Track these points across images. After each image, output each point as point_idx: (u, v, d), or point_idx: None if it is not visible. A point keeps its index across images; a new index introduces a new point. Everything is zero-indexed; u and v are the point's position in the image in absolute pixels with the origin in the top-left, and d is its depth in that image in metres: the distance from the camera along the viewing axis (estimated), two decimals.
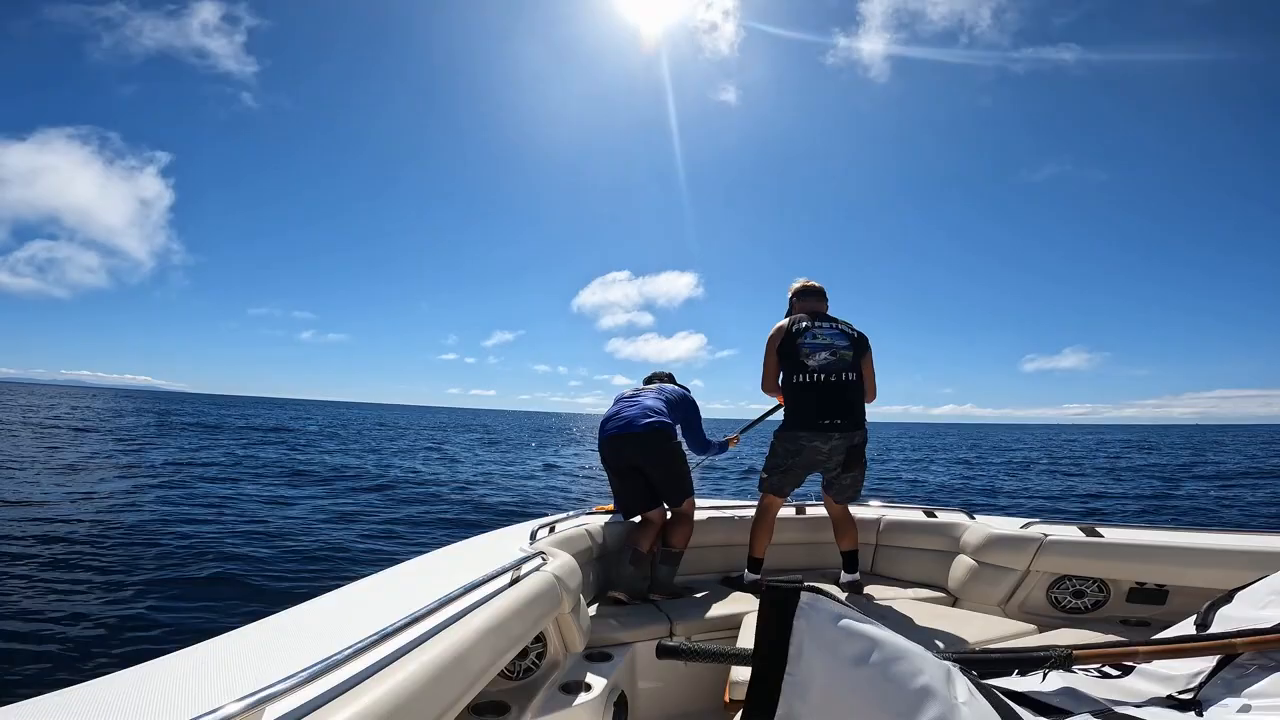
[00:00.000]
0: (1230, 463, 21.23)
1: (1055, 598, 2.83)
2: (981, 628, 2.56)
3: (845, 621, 0.99)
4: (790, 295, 3.51)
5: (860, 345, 3.25)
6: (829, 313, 3.36)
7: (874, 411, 3.32)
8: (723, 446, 3.79)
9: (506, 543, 2.47)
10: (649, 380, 3.82)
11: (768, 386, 3.35)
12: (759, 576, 3.25)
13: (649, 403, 3.35)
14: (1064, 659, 1.59)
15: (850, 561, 3.26)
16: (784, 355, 3.23)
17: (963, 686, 1.06)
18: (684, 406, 3.49)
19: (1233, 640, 1.44)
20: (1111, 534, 2.78)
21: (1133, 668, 1.64)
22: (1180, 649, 1.53)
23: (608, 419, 3.37)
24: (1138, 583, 2.67)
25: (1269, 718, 1.20)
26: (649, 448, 3.21)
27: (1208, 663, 1.45)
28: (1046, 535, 2.85)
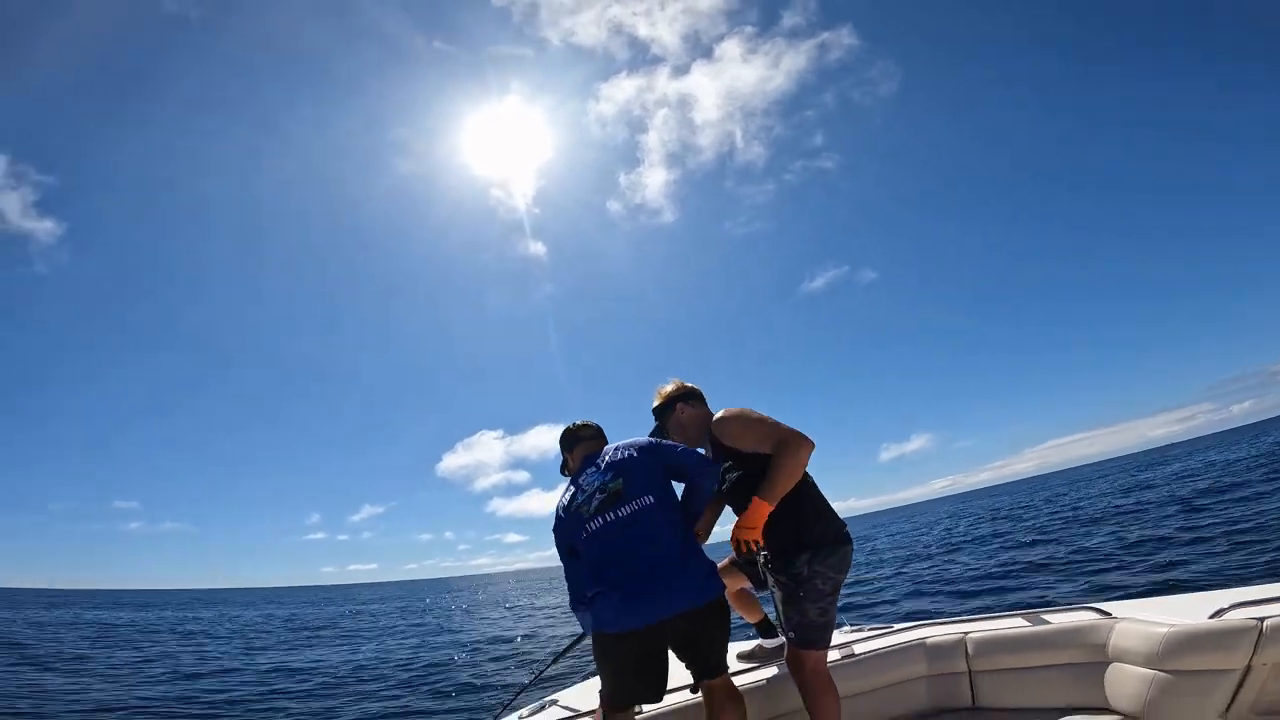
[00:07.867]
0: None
1: None
2: None
3: None
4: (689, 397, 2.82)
5: None
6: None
7: None
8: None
9: None
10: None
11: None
12: None
13: (669, 543, 2.29)
14: None
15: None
16: None
17: None
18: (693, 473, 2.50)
19: None
20: None
21: None
22: None
23: (624, 607, 2.22)
24: None
25: None
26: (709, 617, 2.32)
27: None
28: (1265, 620, 2.19)
